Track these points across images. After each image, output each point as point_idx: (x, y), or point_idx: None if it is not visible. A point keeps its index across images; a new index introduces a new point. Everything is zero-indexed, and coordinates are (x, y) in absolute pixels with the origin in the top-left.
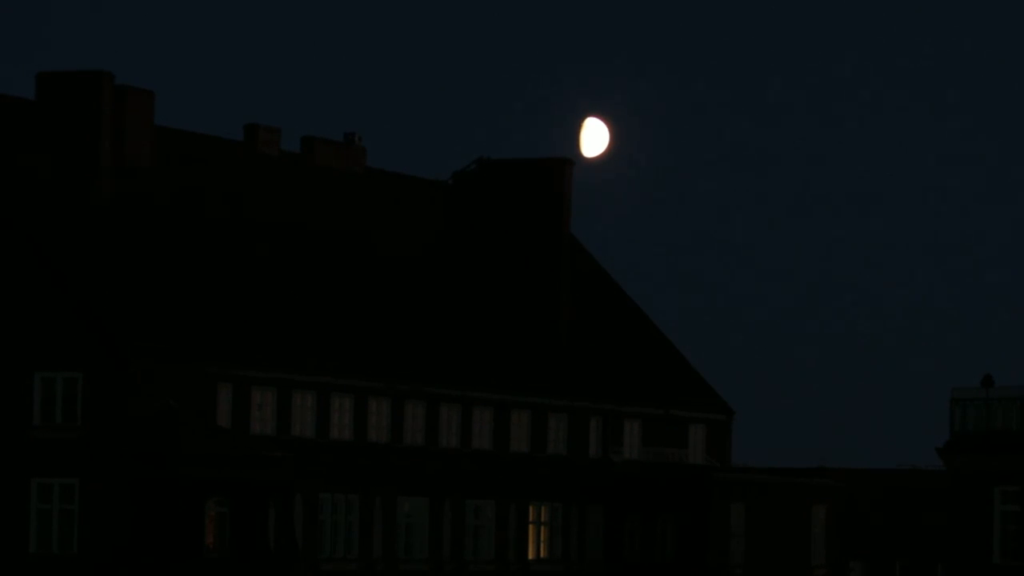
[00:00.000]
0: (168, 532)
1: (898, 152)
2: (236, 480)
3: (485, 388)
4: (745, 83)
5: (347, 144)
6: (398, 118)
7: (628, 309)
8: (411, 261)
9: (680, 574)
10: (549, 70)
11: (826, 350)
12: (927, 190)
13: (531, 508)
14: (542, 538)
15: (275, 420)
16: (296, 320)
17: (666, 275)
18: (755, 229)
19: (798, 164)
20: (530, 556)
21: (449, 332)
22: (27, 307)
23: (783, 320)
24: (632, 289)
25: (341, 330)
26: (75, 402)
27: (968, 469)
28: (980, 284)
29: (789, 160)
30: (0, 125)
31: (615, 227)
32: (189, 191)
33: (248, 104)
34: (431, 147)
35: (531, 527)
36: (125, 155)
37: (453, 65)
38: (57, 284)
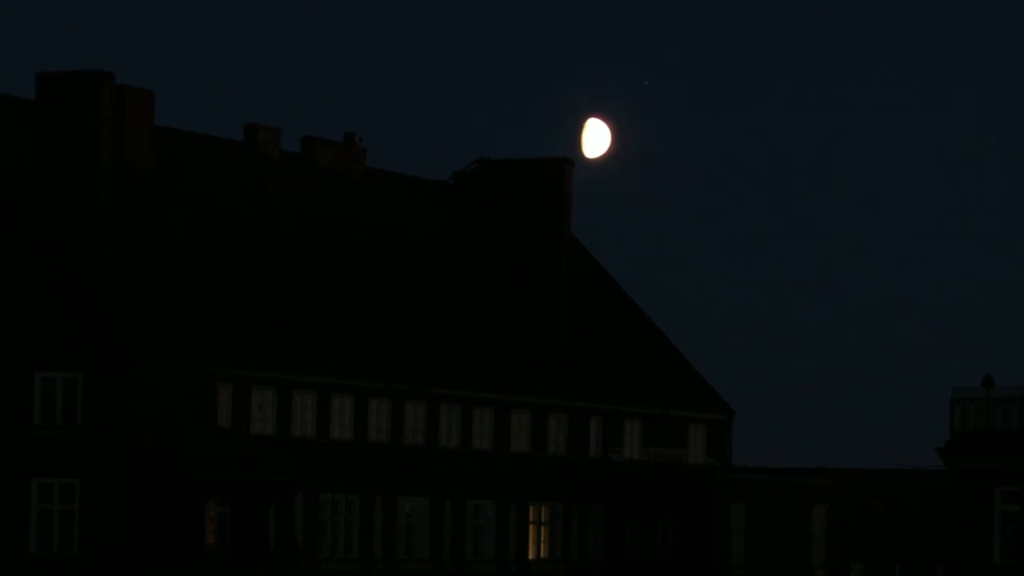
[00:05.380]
0: (168, 532)
1: (898, 152)
2: (236, 480)
3: (485, 388)
4: (746, 85)
5: (347, 144)
6: (398, 118)
7: (628, 309)
8: (411, 261)
9: (680, 574)
10: (550, 70)
11: (826, 350)
12: (927, 190)
13: (531, 508)
14: (542, 538)
15: (275, 420)
16: (296, 320)
17: (666, 275)
18: (755, 230)
19: (799, 165)
20: (530, 556)
21: (449, 332)
22: (27, 307)
23: (783, 321)
24: (632, 289)
25: (341, 330)
26: (75, 402)
27: (968, 469)
28: (980, 284)
29: (790, 161)
30: (0, 125)
31: (615, 227)
32: (189, 191)
33: (248, 104)
34: (431, 147)
35: (531, 527)
36: (125, 155)
37: (453, 65)
38: (57, 284)
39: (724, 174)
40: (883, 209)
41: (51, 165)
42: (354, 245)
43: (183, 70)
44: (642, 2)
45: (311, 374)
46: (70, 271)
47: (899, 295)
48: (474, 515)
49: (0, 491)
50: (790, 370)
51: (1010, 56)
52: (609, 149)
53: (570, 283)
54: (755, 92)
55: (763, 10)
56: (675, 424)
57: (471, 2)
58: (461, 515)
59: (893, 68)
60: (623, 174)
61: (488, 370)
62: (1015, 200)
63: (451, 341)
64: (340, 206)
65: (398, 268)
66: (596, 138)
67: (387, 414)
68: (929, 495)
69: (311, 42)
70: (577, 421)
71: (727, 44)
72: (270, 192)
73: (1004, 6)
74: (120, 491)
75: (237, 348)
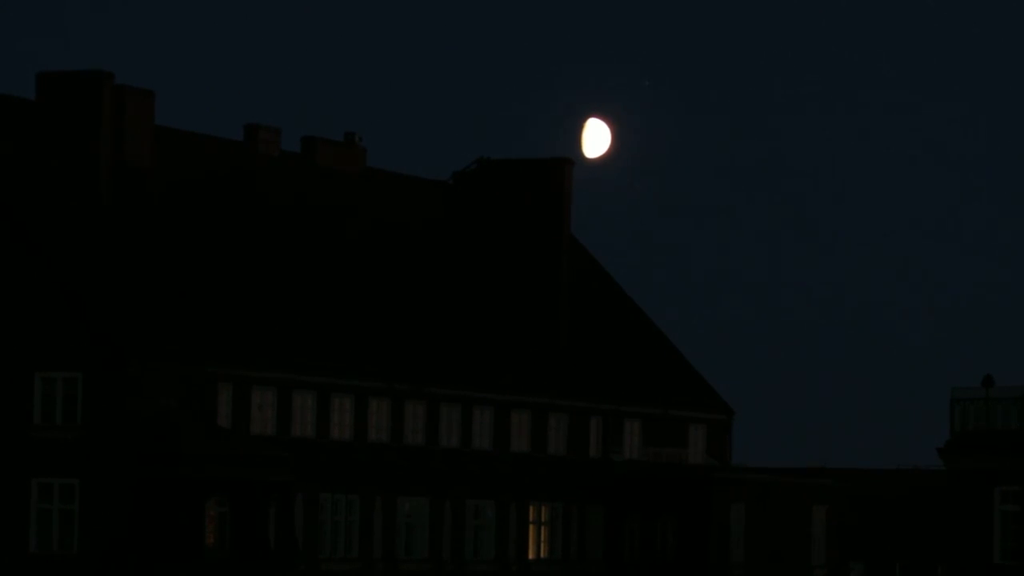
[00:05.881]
0: (168, 532)
1: (898, 152)
2: (236, 480)
3: (485, 388)
4: (746, 85)
5: (347, 144)
6: (398, 118)
7: (628, 309)
8: (411, 261)
9: (680, 574)
10: (550, 70)
11: (826, 350)
12: (927, 190)
13: (531, 508)
14: (542, 538)
15: (275, 420)
16: (296, 320)
17: (666, 275)
18: (755, 230)
19: (798, 165)
20: (530, 556)
21: (449, 332)
22: (27, 307)
23: (783, 321)
24: (632, 289)
25: (341, 330)
26: (75, 402)
27: (968, 469)
28: (980, 284)
29: (789, 161)
30: (0, 125)
31: (615, 227)
32: (189, 191)
33: (248, 104)
34: (431, 147)
35: (531, 527)
36: (125, 155)
37: (453, 65)
38: (57, 284)
39: (724, 174)
40: (883, 209)
41: (51, 165)
42: (354, 245)
43: (183, 70)
44: (642, 2)
45: (311, 374)
46: (70, 271)
47: (899, 295)
48: (474, 515)
49: (0, 491)
50: (790, 370)
51: (1011, 56)
52: (609, 149)
53: (570, 283)
54: (755, 92)
55: (763, 10)
56: (675, 424)
57: (471, 2)
58: (461, 515)
59: (894, 68)
60: (623, 174)
61: (488, 370)
62: (1015, 200)
63: (451, 341)
64: (340, 206)
65: (398, 268)
66: (596, 138)
67: (387, 414)
68: (929, 495)
69: (311, 42)
70: (577, 421)
71: (727, 44)
72: (270, 192)
73: (1004, 6)
74: (120, 491)
75: (237, 348)
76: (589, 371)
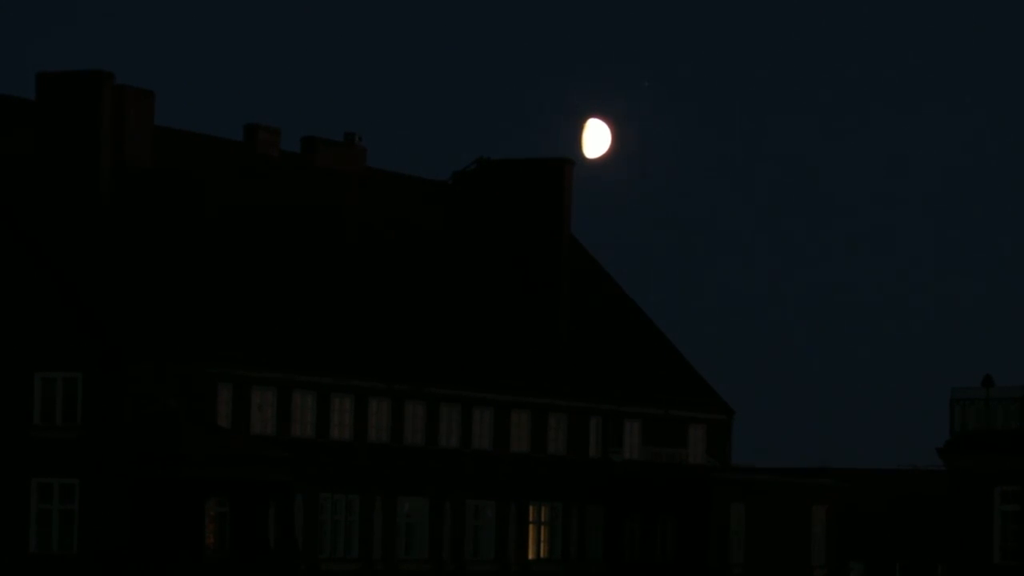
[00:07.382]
0: (168, 532)
1: (896, 152)
2: (236, 480)
3: (485, 388)
4: (746, 85)
5: (347, 144)
6: (398, 118)
7: (628, 309)
8: (411, 261)
9: (680, 574)
10: (550, 70)
11: (826, 350)
12: (926, 190)
13: (531, 508)
14: (542, 538)
15: (275, 420)
16: (296, 320)
17: (666, 275)
18: (755, 230)
19: (798, 165)
20: (530, 556)
21: (449, 332)
22: (27, 307)
23: (783, 320)
24: (632, 289)
25: (341, 330)
26: (75, 402)
27: (968, 469)
28: (980, 284)
29: (789, 161)
30: (0, 125)
31: (615, 227)
32: (189, 191)
33: (248, 104)
34: (431, 147)
35: (531, 527)
36: (125, 155)
37: (453, 65)
38: (57, 284)
39: (724, 174)
40: (883, 209)
41: (51, 165)
42: (354, 245)
43: (183, 70)
44: (642, 2)
45: (311, 374)
46: (70, 271)
47: (899, 295)
48: (474, 515)
49: (0, 491)
50: (790, 370)
51: (1010, 58)
52: (609, 149)
53: (570, 283)
54: (755, 92)
55: (764, 10)
56: (675, 424)
57: (471, 2)
58: (461, 515)
59: (896, 68)
60: (623, 174)
61: (488, 370)
62: (1015, 200)
63: (451, 341)
64: (340, 206)
65: (398, 268)
66: (596, 138)
67: (387, 414)
68: (929, 495)
69: (311, 42)
70: (577, 421)
71: (727, 44)
72: (270, 192)
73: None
74: (120, 491)
75: (237, 348)
76: (589, 371)
